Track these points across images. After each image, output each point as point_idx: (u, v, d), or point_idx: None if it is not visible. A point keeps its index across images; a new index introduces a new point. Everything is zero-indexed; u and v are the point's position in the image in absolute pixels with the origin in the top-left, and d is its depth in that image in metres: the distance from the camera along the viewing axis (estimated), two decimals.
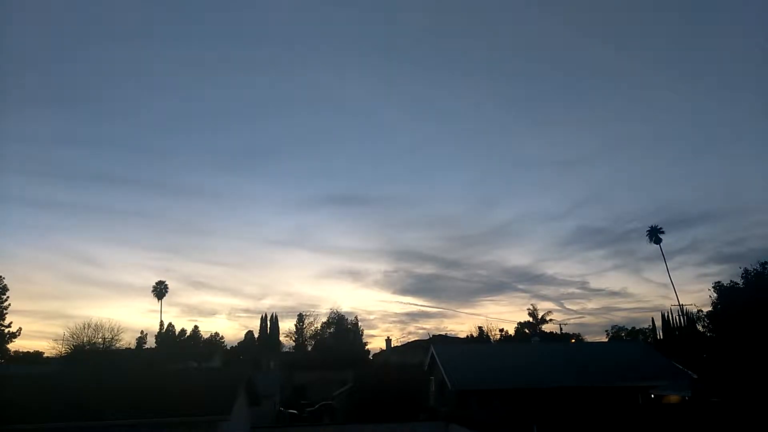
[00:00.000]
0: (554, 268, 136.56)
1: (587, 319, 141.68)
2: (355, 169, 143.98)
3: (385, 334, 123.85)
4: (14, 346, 60.35)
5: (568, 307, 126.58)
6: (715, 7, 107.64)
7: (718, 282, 45.23)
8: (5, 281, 56.44)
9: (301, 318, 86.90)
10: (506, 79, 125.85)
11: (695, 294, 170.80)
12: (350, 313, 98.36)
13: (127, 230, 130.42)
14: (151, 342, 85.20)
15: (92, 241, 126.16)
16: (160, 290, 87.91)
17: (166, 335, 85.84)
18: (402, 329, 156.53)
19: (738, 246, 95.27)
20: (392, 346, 76.02)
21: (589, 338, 75.25)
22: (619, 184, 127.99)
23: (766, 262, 42.10)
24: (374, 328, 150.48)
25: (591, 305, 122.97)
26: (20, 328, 58.01)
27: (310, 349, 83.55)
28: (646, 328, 66.33)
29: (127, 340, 67.69)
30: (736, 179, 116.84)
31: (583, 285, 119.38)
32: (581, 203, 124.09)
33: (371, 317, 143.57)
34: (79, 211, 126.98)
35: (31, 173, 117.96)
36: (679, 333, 50.00)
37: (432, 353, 34.68)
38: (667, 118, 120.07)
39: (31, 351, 71.08)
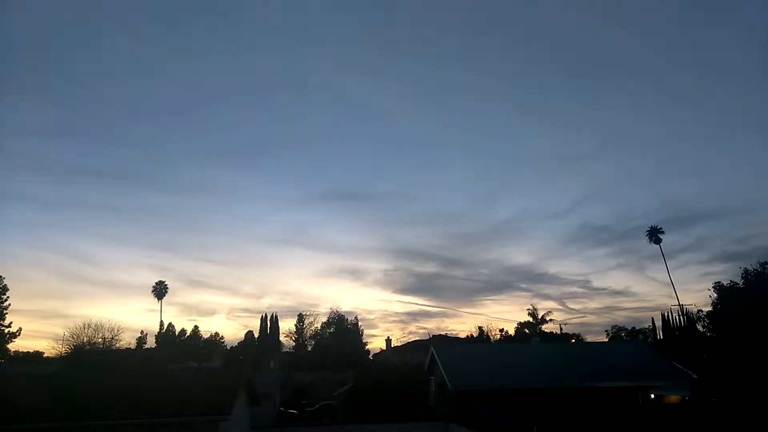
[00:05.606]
0: (557, 267, 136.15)
1: (589, 318, 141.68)
2: (354, 165, 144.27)
3: (386, 334, 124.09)
4: (14, 346, 60.37)
5: (570, 306, 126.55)
6: (719, 4, 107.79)
7: (718, 282, 45.31)
8: (5, 281, 56.45)
9: (301, 318, 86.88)
10: (509, 73, 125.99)
11: (699, 293, 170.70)
12: (350, 313, 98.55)
13: (124, 228, 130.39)
14: (151, 342, 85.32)
15: (88, 239, 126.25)
16: (159, 290, 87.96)
17: (166, 335, 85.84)
18: (402, 329, 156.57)
19: (743, 244, 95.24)
20: (392, 346, 76.13)
21: (589, 338, 75.48)
22: (623, 180, 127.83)
23: (766, 262, 42.11)
24: (374, 328, 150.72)
25: (593, 304, 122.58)
26: (20, 328, 58.03)
27: (310, 349, 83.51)
28: (646, 328, 66.39)
29: (127, 340, 67.91)
30: (742, 176, 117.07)
31: (585, 284, 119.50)
32: (585, 200, 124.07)
33: (371, 317, 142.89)
34: (74, 208, 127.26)
35: (27, 170, 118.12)
36: (679, 333, 49.98)
37: (432, 353, 34.70)
38: (673, 114, 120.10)
39: (31, 351, 71.11)
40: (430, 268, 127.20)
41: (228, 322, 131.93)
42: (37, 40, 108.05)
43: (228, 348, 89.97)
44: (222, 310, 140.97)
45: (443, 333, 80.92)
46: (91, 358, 49.76)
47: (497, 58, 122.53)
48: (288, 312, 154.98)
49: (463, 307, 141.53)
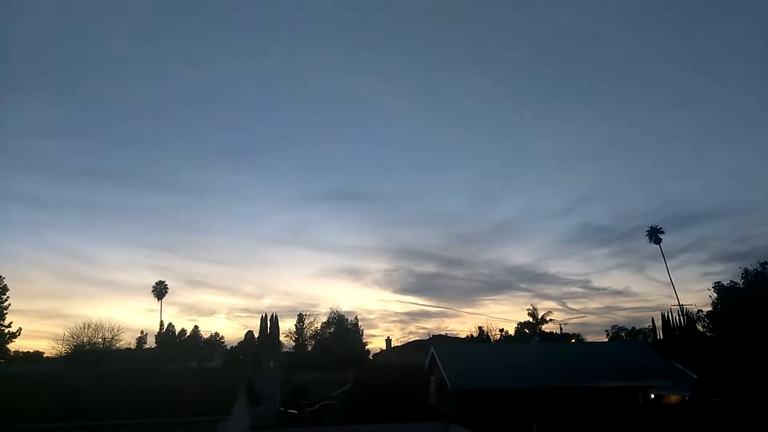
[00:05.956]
0: (557, 267, 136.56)
1: (589, 318, 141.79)
2: (354, 165, 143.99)
3: (386, 334, 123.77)
4: (14, 346, 60.22)
5: (570, 306, 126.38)
6: (719, 4, 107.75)
7: (718, 282, 45.14)
8: (5, 281, 56.39)
9: (301, 318, 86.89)
10: (509, 73, 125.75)
11: (699, 293, 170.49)
12: (350, 313, 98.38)
13: (124, 228, 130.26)
14: (151, 342, 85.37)
15: (88, 239, 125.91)
16: (160, 290, 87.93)
17: (166, 335, 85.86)
18: (402, 329, 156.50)
19: (743, 244, 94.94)
20: (392, 346, 76.14)
21: (589, 338, 75.44)
22: (623, 179, 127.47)
23: (766, 262, 42.01)
24: (374, 328, 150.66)
25: (593, 305, 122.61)
26: (20, 328, 57.88)
27: (310, 349, 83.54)
28: (646, 328, 66.35)
29: (127, 340, 67.99)
30: (742, 176, 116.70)
31: (585, 284, 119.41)
32: (585, 199, 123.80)
33: (371, 317, 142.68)
34: (74, 208, 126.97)
35: (27, 170, 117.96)
36: (679, 333, 49.97)
37: (432, 353, 34.71)
38: (674, 113, 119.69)
39: (31, 351, 71.11)
40: (430, 268, 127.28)
41: (228, 322, 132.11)
42: (37, 40, 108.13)
43: (228, 348, 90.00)
44: (222, 310, 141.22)
45: (443, 333, 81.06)
46: (91, 358, 49.78)
47: (497, 58, 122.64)
48: (288, 312, 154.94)
49: (463, 307, 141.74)
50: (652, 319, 65.97)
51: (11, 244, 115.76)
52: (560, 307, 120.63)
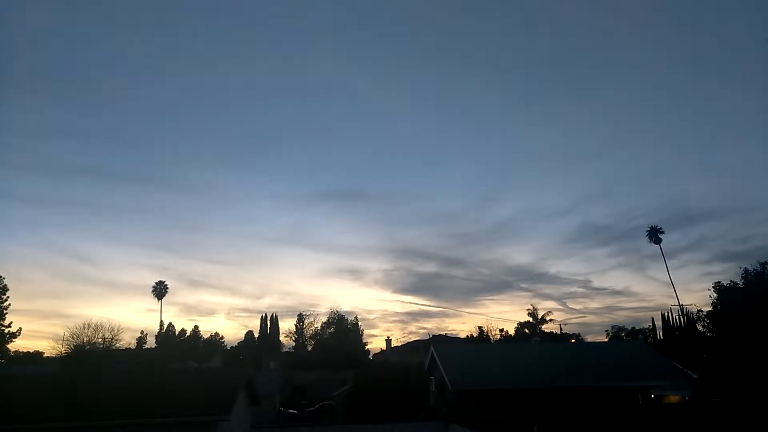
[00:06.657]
0: (557, 267, 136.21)
1: (589, 318, 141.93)
2: (354, 164, 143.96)
3: (386, 334, 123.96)
4: (14, 346, 60.13)
5: (570, 306, 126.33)
6: (719, 4, 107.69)
7: (718, 282, 45.27)
8: (5, 281, 56.33)
9: (301, 318, 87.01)
10: (510, 71, 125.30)
11: (699, 293, 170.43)
12: (350, 313, 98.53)
13: (123, 227, 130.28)
14: (151, 342, 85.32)
15: (88, 239, 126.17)
16: (160, 290, 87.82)
17: (166, 335, 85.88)
18: (402, 329, 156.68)
19: (744, 244, 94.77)
20: (392, 345, 76.18)
21: (590, 338, 75.57)
22: (624, 179, 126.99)
23: (766, 262, 42.08)
24: (374, 328, 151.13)
25: (594, 304, 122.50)
26: (20, 328, 57.76)
27: (310, 349, 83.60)
28: (646, 328, 66.44)
29: (127, 340, 67.95)
30: (743, 176, 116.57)
31: (585, 284, 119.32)
32: (585, 199, 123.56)
33: (371, 317, 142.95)
34: (74, 208, 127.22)
35: (27, 170, 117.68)
36: (679, 333, 50.01)
37: (432, 353, 34.76)
38: (674, 113, 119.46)
39: (31, 351, 71.09)
40: (430, 268, 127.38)
41: (228, 322, 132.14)
42: (37, 40, 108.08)
43: (228, 348, 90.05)
44: (222, 310, 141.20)
45: (443, 333, 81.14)
46: (91, 358, 49.77)
47: (498, 58, 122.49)
48: (288, 312, 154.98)
49: (463, 307, 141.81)
50: (652, 319, 66.12)
51: (11, 244, 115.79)
52: (560, 307, 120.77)
